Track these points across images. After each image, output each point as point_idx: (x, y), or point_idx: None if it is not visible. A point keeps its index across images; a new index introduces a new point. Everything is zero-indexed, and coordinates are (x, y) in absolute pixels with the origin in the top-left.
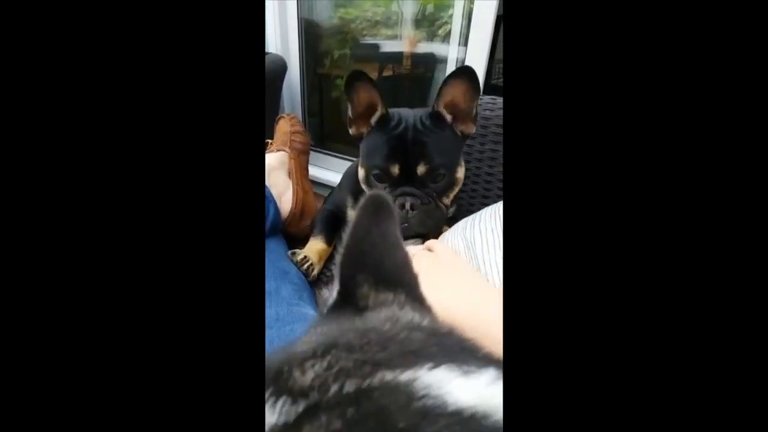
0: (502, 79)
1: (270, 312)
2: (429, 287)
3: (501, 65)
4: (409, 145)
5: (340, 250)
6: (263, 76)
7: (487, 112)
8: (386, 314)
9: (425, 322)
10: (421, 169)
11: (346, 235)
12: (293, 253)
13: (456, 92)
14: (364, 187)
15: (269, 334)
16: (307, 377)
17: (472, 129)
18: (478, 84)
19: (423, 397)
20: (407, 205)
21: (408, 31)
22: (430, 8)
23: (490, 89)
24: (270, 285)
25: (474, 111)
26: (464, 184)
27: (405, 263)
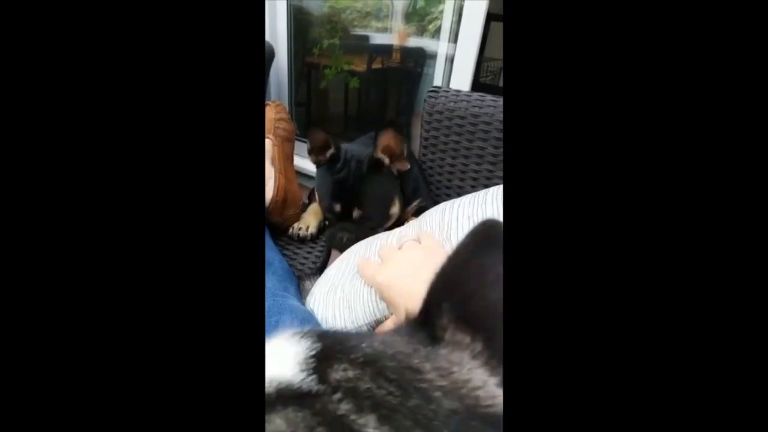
0: (489, 77)
1: None
2: (416, 278)
3: (489, 63)
4: (349, 190)
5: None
6: (263, 72)
7: (476, 110)
8: (454, 362)
9: (480, 408)
10: (355, 214)
11: (445, 258)
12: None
13: (388, 140)
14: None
15: None
16: (334, 374)
17: (406, 166)
18: (403, 132)
19: None
20: (344, 239)
21: (398, 24)
22: (420, 3)
23: (478, 87)
24: None
25: (404, 152)
26: (449, 180)
27: (495, 307)
